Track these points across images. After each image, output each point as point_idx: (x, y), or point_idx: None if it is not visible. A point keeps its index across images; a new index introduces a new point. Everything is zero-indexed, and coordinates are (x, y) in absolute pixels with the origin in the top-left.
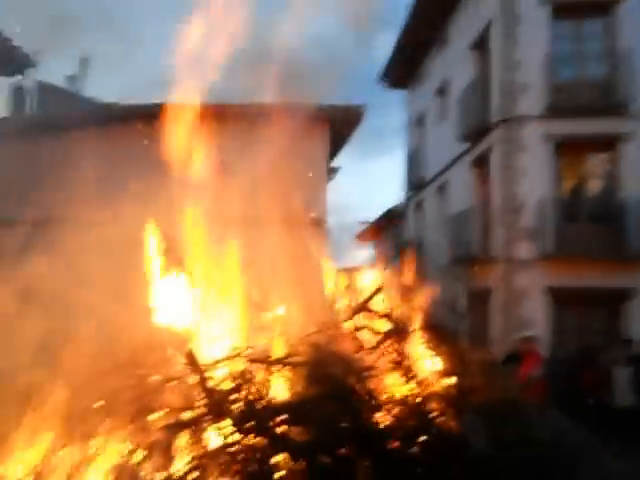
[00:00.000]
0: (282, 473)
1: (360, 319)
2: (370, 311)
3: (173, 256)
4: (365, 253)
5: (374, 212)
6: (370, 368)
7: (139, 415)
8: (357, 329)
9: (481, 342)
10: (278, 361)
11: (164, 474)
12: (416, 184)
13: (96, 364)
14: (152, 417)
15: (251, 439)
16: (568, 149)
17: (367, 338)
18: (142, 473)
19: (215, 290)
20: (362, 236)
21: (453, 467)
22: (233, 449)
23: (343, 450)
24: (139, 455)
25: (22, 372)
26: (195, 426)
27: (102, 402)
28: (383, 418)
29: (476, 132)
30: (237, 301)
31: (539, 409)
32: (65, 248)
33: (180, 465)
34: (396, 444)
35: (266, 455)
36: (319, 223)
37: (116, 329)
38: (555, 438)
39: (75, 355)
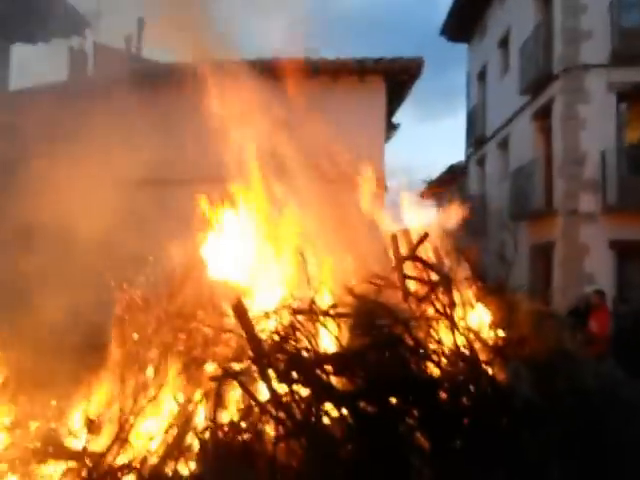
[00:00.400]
0: (329, 423)
1: (409, 269)
2: (419, 261)
3: (229, 209)
4: (428, 211)
5: (437, 171)
6: (418, 318)
7: (191, 366)
8: (406, 279)
9: (543, 296)
10: (324, 312)
11: (215, 423)
12: (478, 140)
13: (151, 314)
14: (203, 368)
15: (298, 389)
16: (633, 98)
17: (416, 289)
18: (195, 422)
19: (268, 244)
20: (425, 194)
21: (502, 417)
22: (281, 399)
23: (391, 400)
24: (192, 405)
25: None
26: (244, 376)
27: (156, 352)
28: (431, 368)
29: (538, 83)
30: (289, 255)
31: (597, 361)
32: (130, 206)
33: (231, 414)
34: (444, 395)
35: (313, 405)
36: (377, 180)
37: (170, 279)
38: (611, 389)
39: (130, 305)
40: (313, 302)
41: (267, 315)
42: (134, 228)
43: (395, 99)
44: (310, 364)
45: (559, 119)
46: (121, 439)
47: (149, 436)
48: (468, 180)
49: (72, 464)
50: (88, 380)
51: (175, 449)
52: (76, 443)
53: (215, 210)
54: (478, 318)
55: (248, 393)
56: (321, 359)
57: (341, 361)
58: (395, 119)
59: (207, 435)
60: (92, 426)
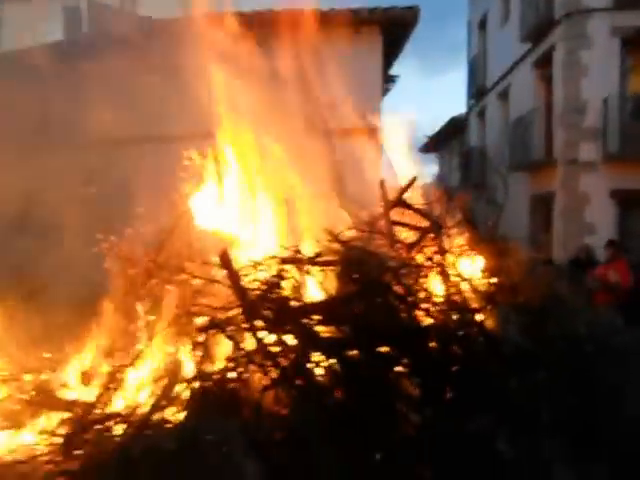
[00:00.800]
0: (316, 371)
1: (398, 216)
2: (407, 206)
3: (219, 162)
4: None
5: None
6: (407, 265)
7: (180, 318)
8: (394, 225)
9: (543, 247)
10: (311, 260)
11: (204, 373)
12: (479, 91)
13: (140, 267)
14: (192, 320)
15: (285, 339)
16: (638, 43)
17: (405, 236)
18: (184, 373)
19: (256, 195)
20: (426, 147)
21: (491, 363)
22: (268, 349)
23: (379, 348)
24: (180, 355)
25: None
26: (231, 327)
27: (146, 304)
28: (421, 316)
29: (539, 30)
30: (276, 205)
31: (597, 309)
32: (119, 163)
33: (219, 365)
34: (434, 342)
35: (301, 354)
36: (373, 131)
37: (158, 232)
38: (604, 336)
39: (121, 256)
40: (299, 251)
41: (254, 265)
42: (121, 184)
43: (392, 50)
44: (297, 313)
45: (560, 66)
46: (111, 389)
47: (139, 387)
48: (469, 132)
49: (64, 415)
50: (81, 333)
51: (164, 399)
52: (69, 395)
53: (203, 164)
54: (469, 265)
55: (234, 342)
56: (308, 308)
57: (328, 309)
58: (394, 71)
59: (196, 385)
60: (84, 378)
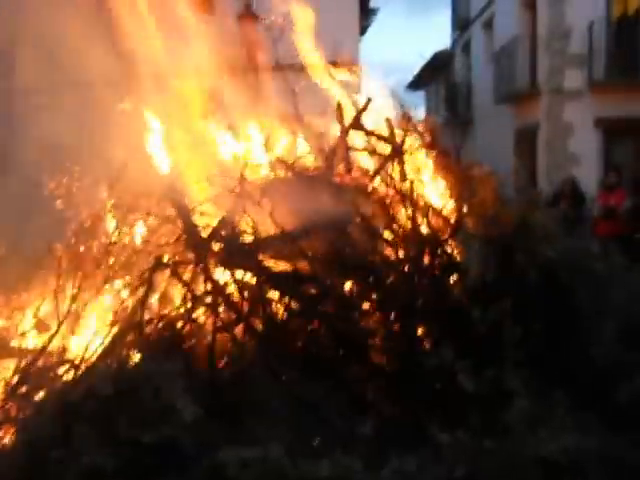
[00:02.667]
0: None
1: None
2: (365, 130)
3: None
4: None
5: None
6: (366, 194)
7: (132, 259)
8: (351, 150)
9: (527, 182)
10: (264, 193)
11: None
12: (462, 23)
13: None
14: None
15: (240, 276)
16: None
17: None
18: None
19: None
20: (413, 85)
21: (457, 295)
22: (221, 288)
23: (342, 283)
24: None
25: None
26: (184, 265)
27: (99, 245)
28: (384, 247)
29: None
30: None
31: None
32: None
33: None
34: (397, 275)
35: (256, 291)
36: (349, 66)
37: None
38: (583, 263)
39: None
40: (251, 183)
41: (207, 200)
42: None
43: None
44: (250, 248)
45: None
46: (62, 335)
47: (92, 332)
48: (454, 67)
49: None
50: (36, 281)
51: (114, 344)
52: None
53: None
54: (435, 193)
55: (181, 282)
56: (261, 243)
57: (283, 244)
58: (373, 3)
59: (147, 329)
60: (39, 325)
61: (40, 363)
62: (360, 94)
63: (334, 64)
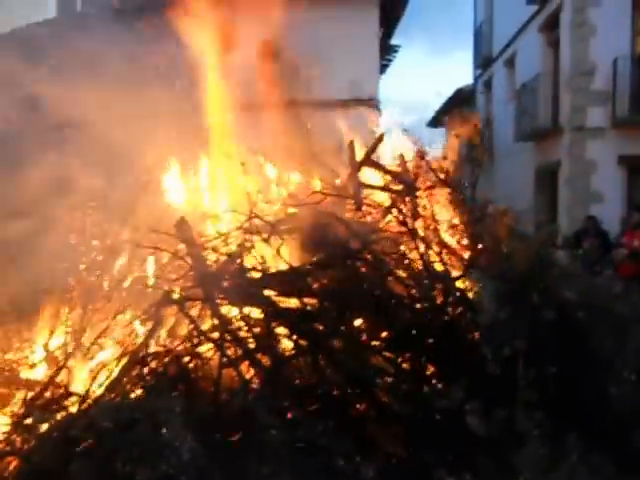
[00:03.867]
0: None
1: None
2: (377, 166)
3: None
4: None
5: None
6: (378, 231)
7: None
8: (364, 187)
9: (548, 220)
10: (273, 229)
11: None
12: (485, 60)
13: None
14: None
15: (249, 312)
16: None
17: (377, 200)
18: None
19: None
20: (434, 122)
21: (469, 333)
22: (228, 323)
23: (350, 321)
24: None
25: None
26: (192, 301)
27: (110, 279)
28: (395, 285)
29: None
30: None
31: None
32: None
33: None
34: (408, 313)
35: (263, 327)
36: (368, 103)
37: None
38: (602, 303)
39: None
40: (261, 218)
41: (218, 236)
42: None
43: (391, 17)
44: (259, 284)
45: (567, 27)
46: (69, 368)
47: (100, 365)
48: (475, 104)
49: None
50: (47, 313)
51: (120, 378)
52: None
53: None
54: (448, 230)
55: (188, 318)
56: (271, 279)
57: (292, 280)
58: (394, 40)
59: (153, 363)
60: (48, 358)
61: (47, 395)
62: (378, 131)
63: (353, 101)
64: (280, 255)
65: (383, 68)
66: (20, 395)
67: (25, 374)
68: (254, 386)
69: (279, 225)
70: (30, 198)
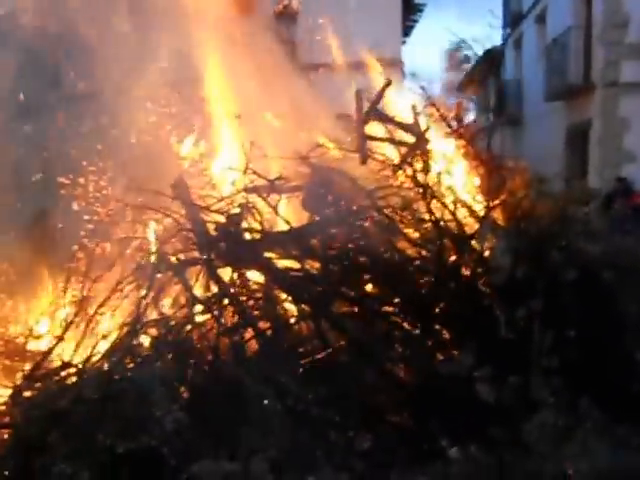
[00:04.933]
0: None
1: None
2: (385, 118)
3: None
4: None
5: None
6: (387, 187)
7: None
8: (367, 139)
9: (577, 179)
10: (273, 188)
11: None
12: (515, 17)
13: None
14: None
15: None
16: None
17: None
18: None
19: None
20: (463, 86)
21: (483, 295)
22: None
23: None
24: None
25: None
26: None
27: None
28: (404, 244)
29: None
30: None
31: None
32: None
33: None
34: (420, 276)
35: (265, 292)
36: (393, 63)
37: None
38: (631, 263)
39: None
40: (259, 174)
41: (217, 196)
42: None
43: None
44: (259, 246)
45: None
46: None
47: (101, 335)
48: (504, 65)
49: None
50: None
51: (120, 347)
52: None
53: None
54: (464, 185)
55: (184, 285)
56: (272, 240)
57: (295, 242)
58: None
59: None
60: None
61: (45, 367)
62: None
63: (375, 62)
64: (279, 214)
65: (408, 30)
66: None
67: (30, 346)
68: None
69: (279, 182)
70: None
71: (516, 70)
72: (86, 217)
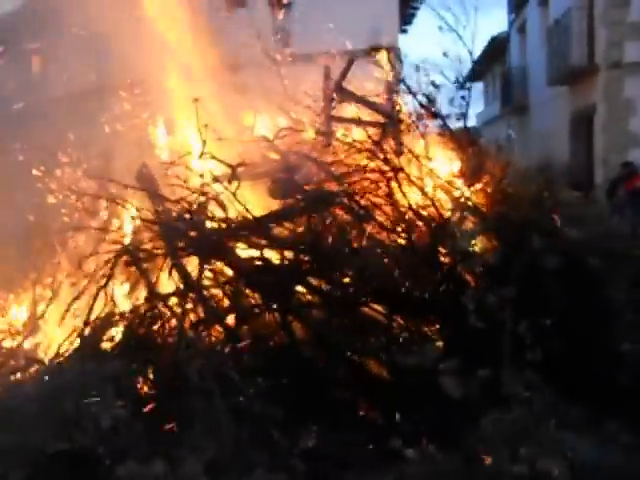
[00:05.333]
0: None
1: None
2: (353, 97)
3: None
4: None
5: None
6: (357, 171)
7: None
8: (339, 121)
9: (584, 169)
10: (234, 175)
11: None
12: (519, 2)
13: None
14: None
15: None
16: None
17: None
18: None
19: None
20: (471, 76)
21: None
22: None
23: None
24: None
25: None
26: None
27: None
28: (375, 231)
29: None
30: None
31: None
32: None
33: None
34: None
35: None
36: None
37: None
38: (620, 250)
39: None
40: (220, 160)
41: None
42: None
43: None
44: (224, 235)
45: None
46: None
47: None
48: (510, 51)
49: None
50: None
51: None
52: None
53: None
54: (439, 169)
55: (143, 276)
56: (237, 229)
57: (261, 230)
58: None
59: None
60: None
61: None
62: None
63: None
64: (240, 202)
65: (410, 18)
66: None
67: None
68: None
69: (242, 168)
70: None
71: (521, 56)
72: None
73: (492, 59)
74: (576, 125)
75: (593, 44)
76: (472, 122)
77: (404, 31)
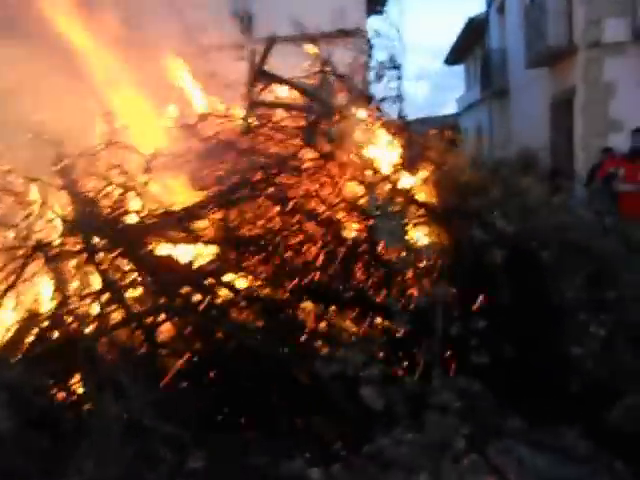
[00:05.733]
0: None
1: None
2: (274, 79)
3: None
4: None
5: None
6: (286, 159)
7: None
8: (261, 106)
9: (564, 155)
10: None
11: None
12: None
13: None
14: None
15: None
16: None
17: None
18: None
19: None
20: (451, 59)
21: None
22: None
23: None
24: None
25: None
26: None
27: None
28: (309, 225)
29: None
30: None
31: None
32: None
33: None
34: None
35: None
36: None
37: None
38: (578, 242)
39: None
40: (134, 149)
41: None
42: None
43: None
44: (137, 231)
45: None
46: None
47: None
48: (489, 33)
49: None
50: None
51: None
52: None
53: None
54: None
55: (56, 274)
56: (154, 225)
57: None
58: None
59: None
60: None
61: None
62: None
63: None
64: (157, 194)
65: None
66: None
67: None
68: None
69: (156, 158)
70: None
71: (500, 38)
72: None
73: (472, 41)
74: (556, 109)
75: (571, 23)
76: (452, 108)
77: (379, 12)
